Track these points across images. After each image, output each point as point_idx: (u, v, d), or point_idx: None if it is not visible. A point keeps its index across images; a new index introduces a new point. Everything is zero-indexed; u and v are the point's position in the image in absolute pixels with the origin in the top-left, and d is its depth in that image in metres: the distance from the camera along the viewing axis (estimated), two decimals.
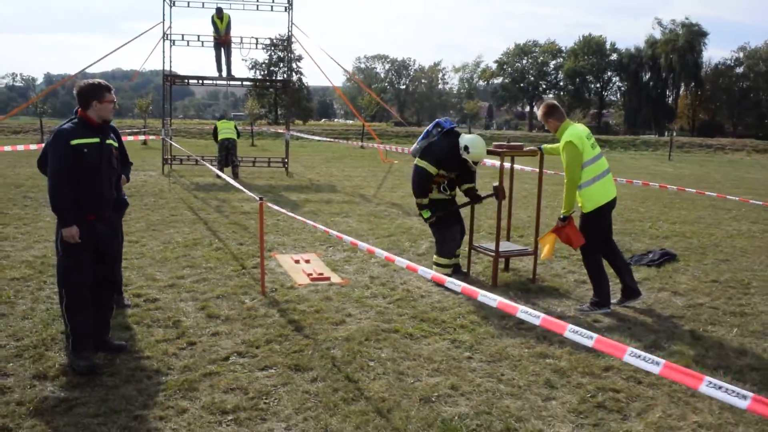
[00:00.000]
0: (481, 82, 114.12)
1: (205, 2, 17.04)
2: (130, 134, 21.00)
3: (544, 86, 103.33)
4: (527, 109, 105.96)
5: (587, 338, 2.60)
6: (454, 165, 6.65)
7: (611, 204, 5.84)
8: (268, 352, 4.58)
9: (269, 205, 6.37)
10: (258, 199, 6.21)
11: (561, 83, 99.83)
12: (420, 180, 6.59)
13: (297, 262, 7.28)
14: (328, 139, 27.64)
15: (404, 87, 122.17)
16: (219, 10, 16.63)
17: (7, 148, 13.32)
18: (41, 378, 4.01)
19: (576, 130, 5.79)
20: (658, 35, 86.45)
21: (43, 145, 4.57)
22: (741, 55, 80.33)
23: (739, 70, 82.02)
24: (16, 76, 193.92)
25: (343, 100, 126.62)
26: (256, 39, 18.17)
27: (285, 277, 6.68)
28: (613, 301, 5.97)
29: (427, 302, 5.88)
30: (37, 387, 3.90)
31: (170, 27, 16.98)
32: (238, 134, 16.56)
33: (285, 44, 19.08)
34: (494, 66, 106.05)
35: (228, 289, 6.14)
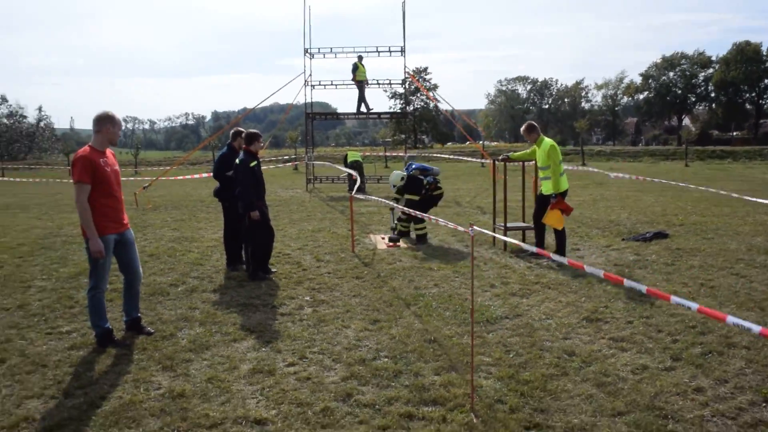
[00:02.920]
0: (625, 98, 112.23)
1: (336, 53, 21.35)
2: (285, 161, 25.77)
3: (693, 99, 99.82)
4: (675, 122, 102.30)
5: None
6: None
7: (566, 192, 8.91)
8: (344, 272, 8.19)
9: (372, 197, 10.01)
10: (348, 194, 9.90)
11: (712, 94, 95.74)
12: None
13: (383, 238, 10.85)
14: (451, 157, 31.20)
15: (546, 107, 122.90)
16: (360, 57, 21.03)
17: (189, 177, 18.19)
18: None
19: (552, 140, 8.94)
20: None
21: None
22: None
23: None
24: (188, 115, 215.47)
25: (487, 123, 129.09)
26: (387, 80, 22.27)
27: (371, 245, 10.29)
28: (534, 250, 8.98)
29: (448, 254, 9.23)
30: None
31: (311, 75, 21.50)
32: (362, 158, 20.76)
33: (401, 83, 22.74)
34: (639, 80, 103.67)
35: (333, 249, 9.86)
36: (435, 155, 31.83)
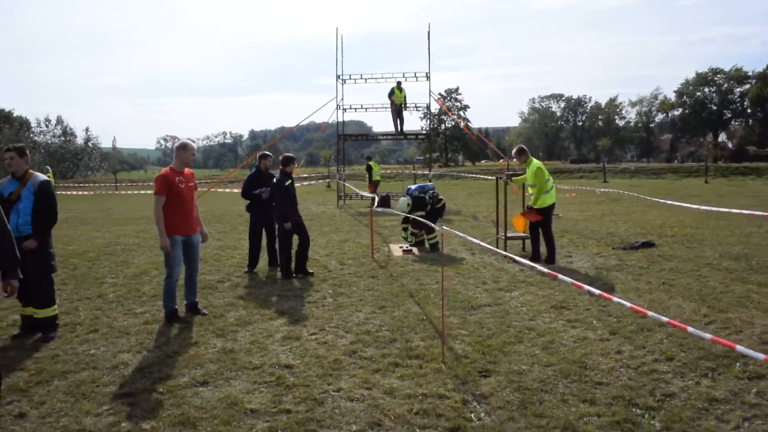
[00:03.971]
0: (660, 115, 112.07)
1: (367, 79, 23.06)
2: (318, 179, 27.52)
3: (729, 115, 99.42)
4: (710, 139, 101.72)
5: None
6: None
7: (552, 206, 10.33)
8: (363, 273, 9.70)
9: (393, 211, 11.53)
10: (369, 208, 11.44)
11: (748, 110, 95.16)
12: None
13: (401, 248, 12.35)
14: (470, 176, 32.64)
15: (580, 124, 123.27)
16: (399, 84, 22.79)
17: (228, 190, 19.93)
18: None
19: (540, 162, 10.39)
20: None
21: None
22: None
23: None
24: (226, 134, 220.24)
25: (521, 141, 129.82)
26: (413, 104, 23.94)
27: (388, 253, 11.80)
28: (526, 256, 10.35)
29: (454, 259, 10.68)
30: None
31: (342, 99, 23.24)
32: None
33: (426, 107, 24.34)
34: (673, 97, 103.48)
35: (355, 255, 11.40)
36: (462, 173, 33.31)
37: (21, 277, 4.40)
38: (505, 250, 11.12)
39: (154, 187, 6.89)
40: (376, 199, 14.24)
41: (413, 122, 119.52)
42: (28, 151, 6.62)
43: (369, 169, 23.64)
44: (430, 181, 24.47)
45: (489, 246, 6.68)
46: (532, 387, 4.90)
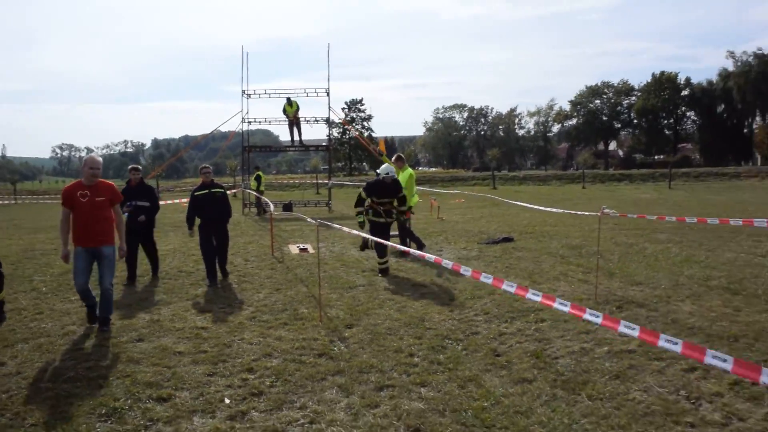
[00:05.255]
0: (556, 125, 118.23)
1: (271, 94, 24.85)
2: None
3: (618, 125, 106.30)
4: (601, 147, 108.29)
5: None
6: (379, 192, 10.83)
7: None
8: (263, 266, 11.48)
9: (299, 215, 13.35)
10: (269, 210, 13.24)
11: (635, 121, 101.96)
12: (357, 199, 11.08)
13: (297, 247, 14.17)
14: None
15: (482, 133, 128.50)
16: (288, 99, 24.43)
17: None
18: None
19: (412, 171, 12.51)
20: (730, 67, 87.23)
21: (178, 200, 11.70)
22: None
23: None
24: (128, 143, 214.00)
25: (426, 149, 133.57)
26: (312, 117, 25.84)
27: (287, 251, 13.62)
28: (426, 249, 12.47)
29: (348, 259, 12.63)
30: None
31: (248, 112, 24.85)
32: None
33: (325, 120, 26.27)
34: (568, 107, 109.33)
35: (258, 254, 13.16)
36: (354, 183, 35.63)
37: None
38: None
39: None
40: (271, 207, 15.60)
41: (320, 132, 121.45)
42: None
43: (258, 178, 25.03)
44: (329, 190, 26.49)
45: (362, 234, 8.64)
46: (380, 332, 6.90)
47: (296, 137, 25.43)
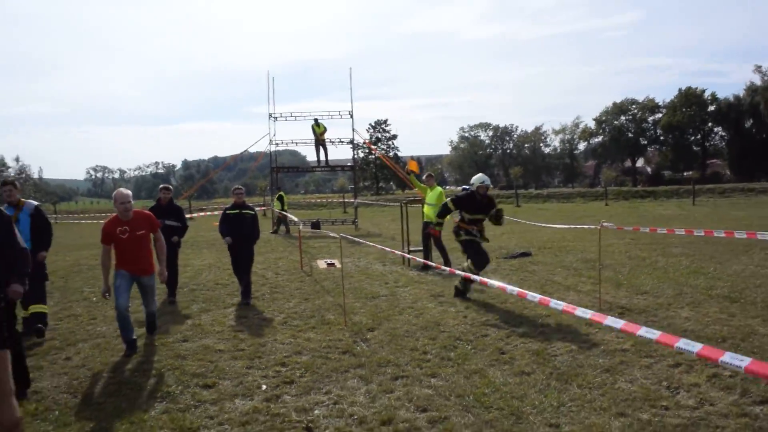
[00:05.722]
0: (582, 143, 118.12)
1: (297, 117, 25.89)
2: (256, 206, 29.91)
3: (644, 142, 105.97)
4: (628, 164, 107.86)
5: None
6: (471, 206, 9.86)
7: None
8: (293, 279, 12.32)
9: (326, 232, 14.21)
10: (300, 226, 14.11)
11: (661, 137, 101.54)
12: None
13: (325, 262, 15.00)
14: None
15: (508, 151, 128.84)
16: (316, 120, 25.52)
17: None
18: None
19: (440, 188, 13.30)
20: (758, 81, 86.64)
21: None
22: None
23: None
24: (158, 164, 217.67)
25: (453, 168, 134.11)
26: (337, 139, 26.89)
27: (315, 266, 14.46)
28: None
29: (368, 269, 13.42)
30: None
31: (275, 134, 25.97)
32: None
33: (349, 141, 27.24)
34: (593, 125, 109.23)
35: (288, 268, 14.01)
36: (380, 202, 36.37)
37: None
38: (408, 260, 13.95)
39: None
40: (297, 222, 16.16)
41: (346, 153, 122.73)
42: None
43: (280, 198, 25.90)
44: (356, 209, 27.36)
45: (381, 247, 9.42)
46: (399, 334, 7.67)
47: (323, 158, 26.46)
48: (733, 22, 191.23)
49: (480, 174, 10.00)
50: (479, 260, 9.78)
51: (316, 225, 24.35)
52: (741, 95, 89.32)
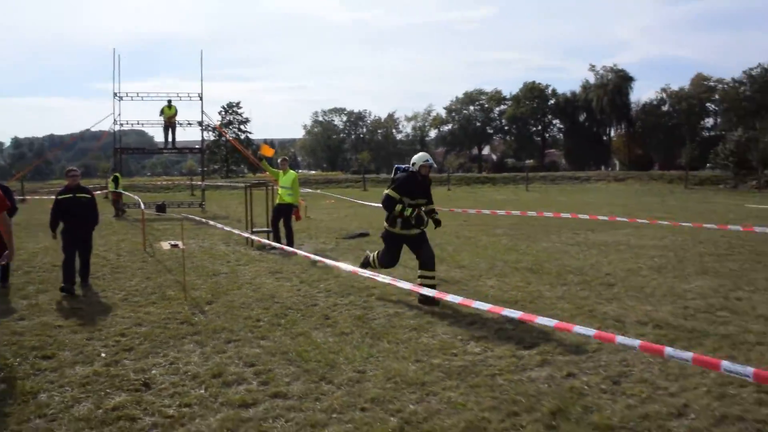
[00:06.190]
0: (433, 131, 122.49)
1: (144, 97, 25.41)
2: (97, 190, 28.88)
3: (490, 131, 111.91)
4: (475, 152, 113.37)
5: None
6: (413, 190, 8.70)
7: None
8: (135, 260, 12.52)
9: (172, 215, 14.36)
10: (140, 207, 14.23)
11: (506, 128, 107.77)
12: (387, 201, 8.66)
13: (169, 242, 15.20)
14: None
15: (361, 136, 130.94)
16: (169, 102, 25.15)
17: None
18: None
19: (294, 172, 13.92)
20: (592, 80, 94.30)
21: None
22: (664, 95, 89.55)
23: (665, 108, 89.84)
24: None
25: (306, 152, 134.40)
26: (186, 121, 26.62)
27: (158, 247, 14.65)
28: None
29: (216, 252, 13.86)
30: None
31: (119, 114, 25.29)
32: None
33: (198, 124, 27.17)
34: (444, 113, 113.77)
35: (130, 249, 14.12)
36: (229, 185, 36.48)
37: None
38: (252, 240, 14.53)
39: None
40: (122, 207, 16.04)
41: (196, 134, 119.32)
42: None
43: (116, 180, 25.22)
44: (203, 191, 27.37)
45: (233, 230, 9.99)
46: (235, 306, 8.34)
47: (171, 139, 26.14)
48: (574, 24, 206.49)
49: (422, 152, 9.00)
50: (388, 260, 9.21)
51: (161, 208, 24.07)
52: (577, 91, 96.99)
